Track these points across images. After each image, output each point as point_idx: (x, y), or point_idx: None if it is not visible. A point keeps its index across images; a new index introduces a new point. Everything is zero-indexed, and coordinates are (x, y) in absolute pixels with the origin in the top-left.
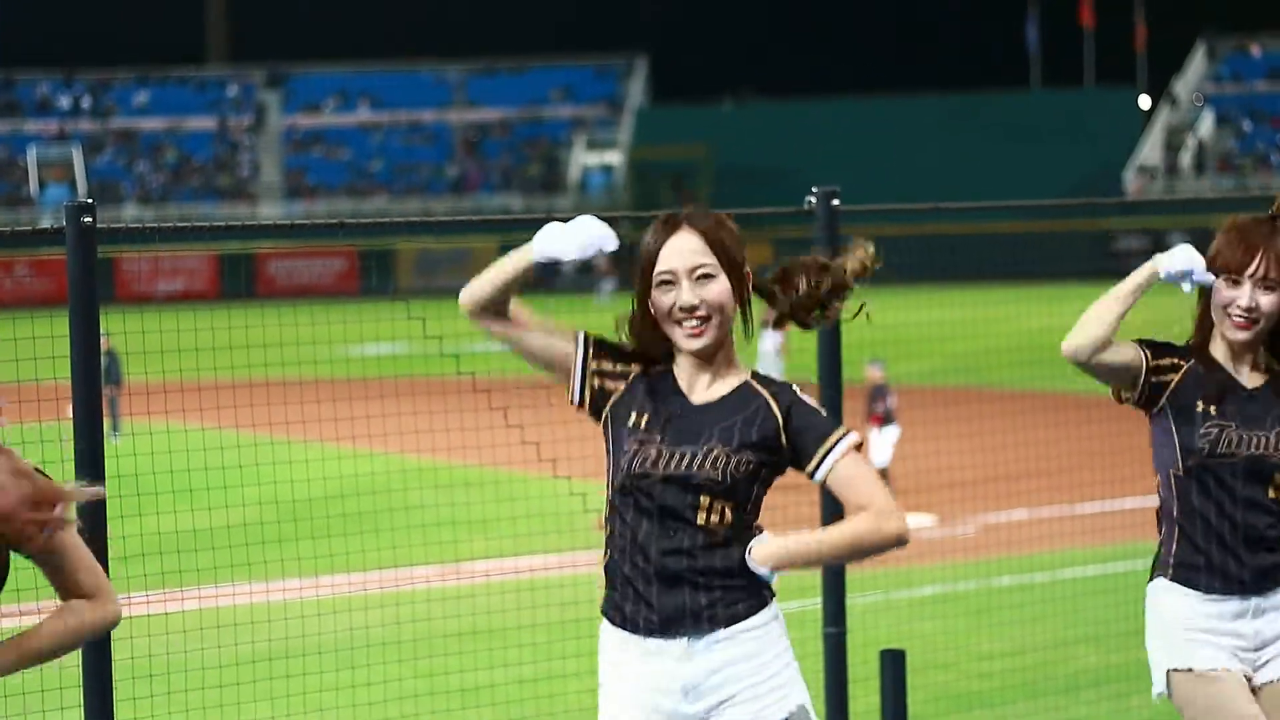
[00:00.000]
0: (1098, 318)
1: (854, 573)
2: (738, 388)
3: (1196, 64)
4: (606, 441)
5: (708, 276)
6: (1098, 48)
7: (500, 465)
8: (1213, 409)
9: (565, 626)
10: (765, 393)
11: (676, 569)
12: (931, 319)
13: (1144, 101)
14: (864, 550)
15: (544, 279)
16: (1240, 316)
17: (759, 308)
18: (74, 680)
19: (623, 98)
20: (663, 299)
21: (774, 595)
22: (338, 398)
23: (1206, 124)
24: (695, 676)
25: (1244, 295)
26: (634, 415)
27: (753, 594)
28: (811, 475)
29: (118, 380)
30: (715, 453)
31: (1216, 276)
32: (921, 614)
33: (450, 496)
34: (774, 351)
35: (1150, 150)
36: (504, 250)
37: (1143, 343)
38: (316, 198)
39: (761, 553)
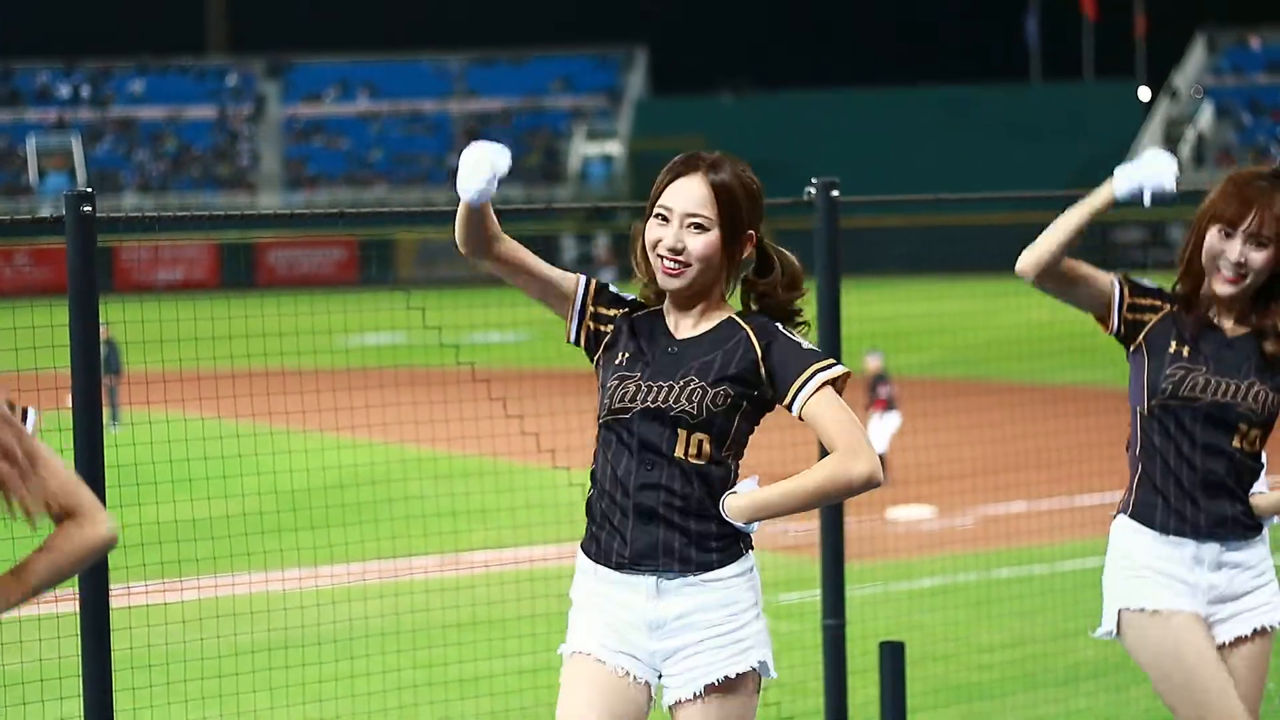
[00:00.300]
0: (1046, 238)
1: (853, 565)
2: (720, 323)
3: (1196, 57)
4: (598, 377)
5: (700, 227)
6: (1097, 40)
7: (500, 456)
8: (1185, 350)
9: (565, 617)
10: (747, 327)
11: (653, 504)
12: (931, 311)
13: (1143, 94)
14: (834, 495)
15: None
16: (1229, 271)
17: None
18: (73, 670)
19: (623, 89)
20: (653, 231)
21: (750, 548)
22: (337, 388)
23: (1206, 116)
24: (662, 616)
25: (1234, 249)
26: (620, 354)
27: (728, 544)
28: (789, 408)
29: (117, 369)
30: (692, 386)
31: (1210, 225)
32: (921, 606)
33: (450, 487)
34: None
35: (1149, 143)
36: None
37: (1124, 278)
38: (316, 187)
39: (734, 506)
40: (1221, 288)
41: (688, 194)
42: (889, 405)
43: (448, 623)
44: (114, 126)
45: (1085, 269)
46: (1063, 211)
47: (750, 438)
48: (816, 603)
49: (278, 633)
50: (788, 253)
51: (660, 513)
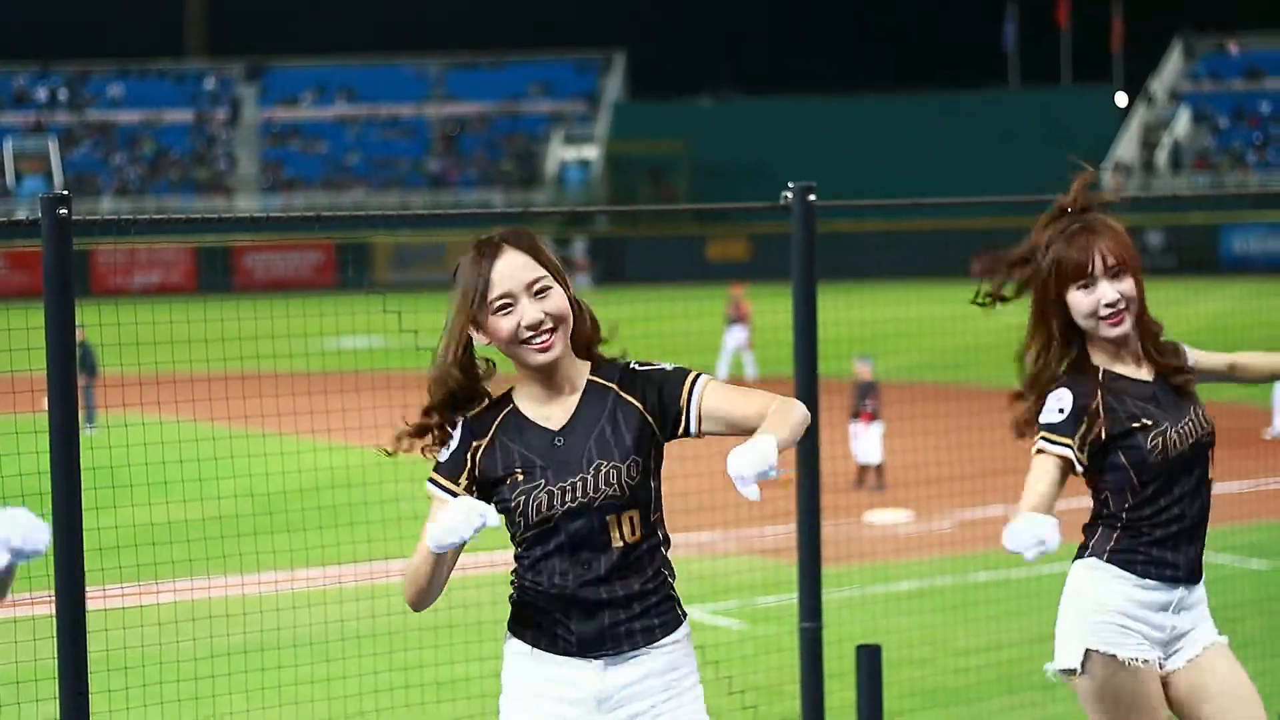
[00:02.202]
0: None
1: (830, 568)
2: (585, 393)
3: (1173, 62)
4: (497, 508)
5: (545, 290)
6: (1074, 46)
7: None
8: (1144, 420)
9: None
10: (611, 385)
11: (595, 598)
12: (909, 315)
13: (1120, 99)
14: (804, 426)
15: None
16: (1111, 313)
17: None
18: (49, 672)
19: (601, 93)
20: (504, 323)
21: (685, 615)
22: (314, 390)
23: (1183, 122)
24: (609, 690)
25: (1106, 292)
26: (506, 473)
27: (667, 611)
28: (688, 432)
29: (92, 371)
30: (606, 470)
31: (1065, 292)
32: (898, 609)
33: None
34: (733, 348)
35: (1126, 148)
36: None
37: (1042, 441)
38: (294, 191)
39: (741, 466)
40: (1112, 332)
41: (515, 270)
42: (874, 416)
43: (424, 625)
44: (91, 130)
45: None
46: (1037, 210)
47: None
48: (793, 606)
49: (254, 635)
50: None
51: (604, 603)
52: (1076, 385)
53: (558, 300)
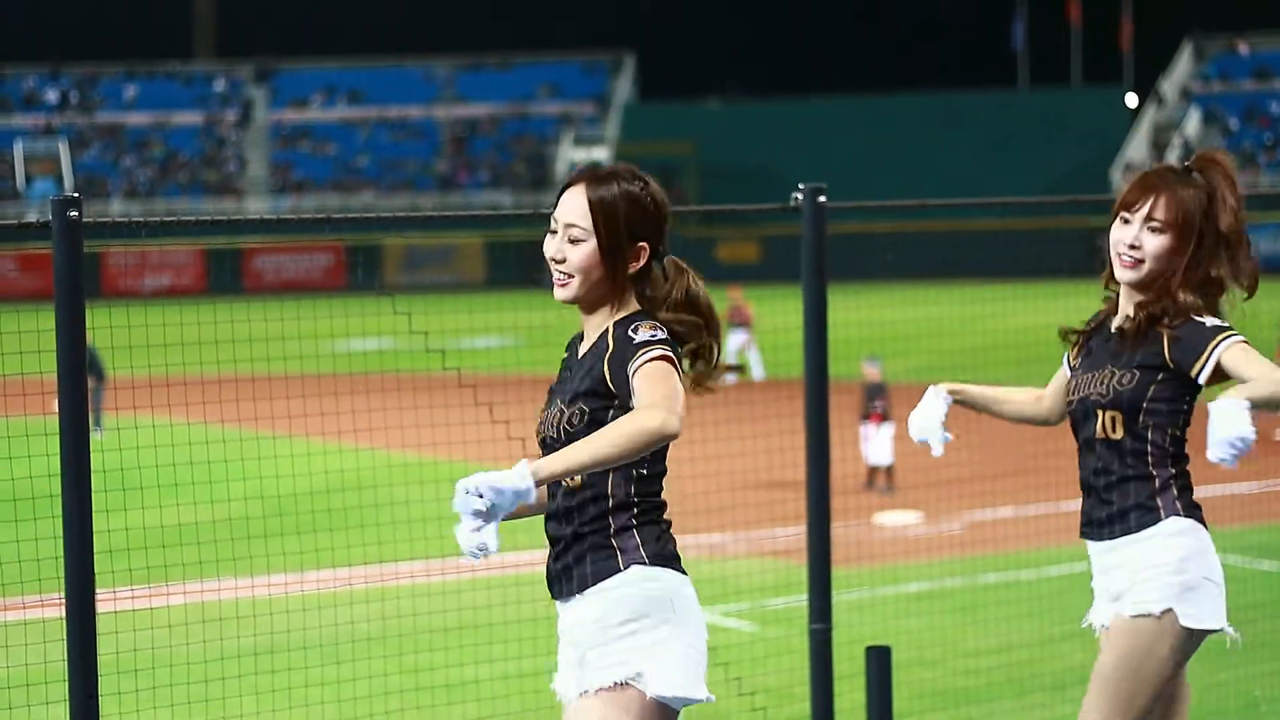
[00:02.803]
0: None
1: (840, 570)
2: (598, 337)
3: (1184, 63)
4: None
5: (575, 240)
6: (1084, 46)
7: (486, 461)
8: (1079, 360)
9: (550, 622)
10: (610, 337)
11: (552, 534)
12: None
13: (1130, 100)
14: (625, 442)
15: (536, 279)
16: (1126, 255)
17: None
18: (59, 674)
19: (610, 94)
20: (545, 243)
21: (641, 562)
22: (324, 393)
23: (1193, 122)
24: (567, 627)
25: (1129, 233)
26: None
27: (604, 558)
28: (625, 406)
29: (100, 375)
30: (556, 410)
31: (1114, 216)
32: (907, 611)
33: (436, 492)
34: (734, 350)
35: (1137, 148)
36: (490, 248)
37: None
38: (303, 193)
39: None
40: (1120, 273)
41: (568, 206)
42: (884, 417)
43: (434, 627)
44: (101, 132)
45: (1054, 383)
46: (1047, 211)
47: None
48: (803, 608)
49: (264, 637)
50: (693, 277)
51: (554, 540)
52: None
53: (580, 254)
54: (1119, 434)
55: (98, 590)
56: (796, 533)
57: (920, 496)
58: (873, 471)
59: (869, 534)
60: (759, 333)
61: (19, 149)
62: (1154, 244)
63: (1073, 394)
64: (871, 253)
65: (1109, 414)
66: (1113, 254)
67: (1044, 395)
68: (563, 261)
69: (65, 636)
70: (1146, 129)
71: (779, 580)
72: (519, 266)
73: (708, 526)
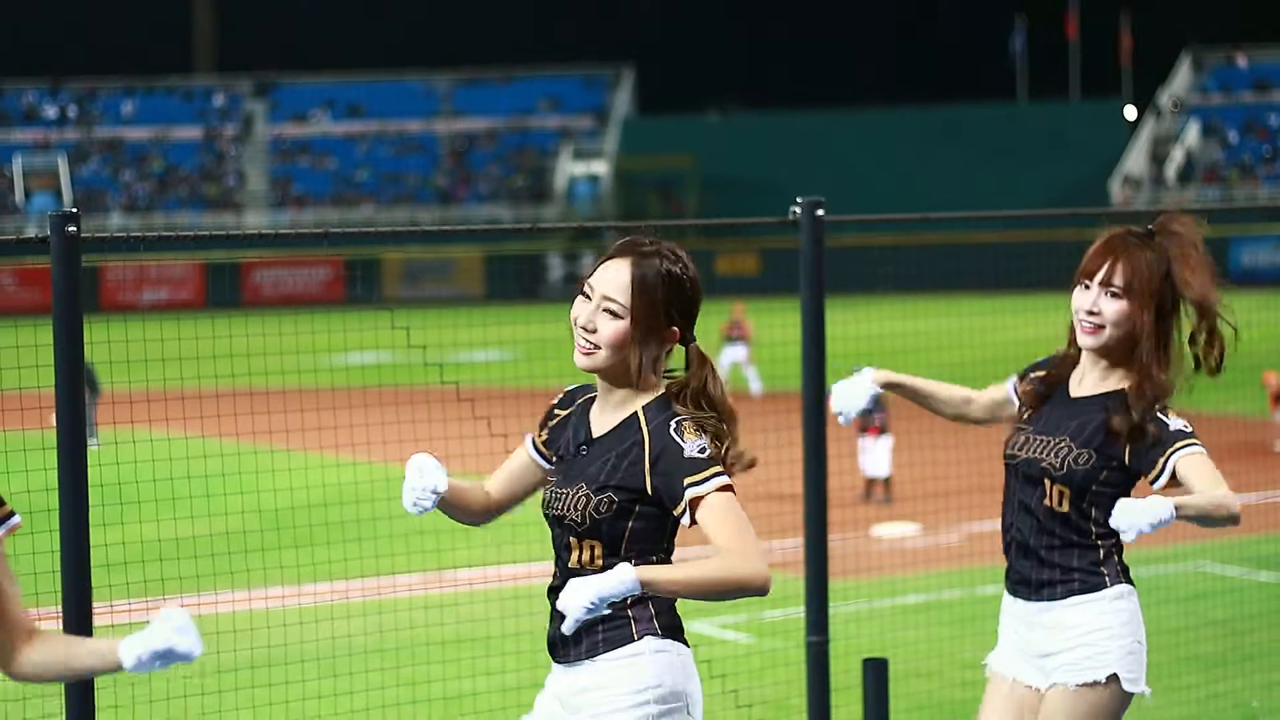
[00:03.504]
0: None
1: (837, 582)
2: (625, 420)
3: (1182, 75)
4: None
5: (612, 314)
6: (1083, 59)
7: (484, 474)
8: (1028, 414)
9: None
10: (645, 429)
11: (553, 602)
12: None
13: (1129, 112)
14: (723, 590)
15: (531, 290)
16: (1086, 321)
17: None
18: (56, 688)
19: (609, 108)
20: (575, 306)
21: (654, 633)
22: (322, 407)
23: (1192, 135)
24: (566, 692)
25: (1088, 299)
26: (557, 455)
27: (617, 625)
28: (678, 521)
29: (94, 389)
30: (580, 494)
31: (1076, 284)
32: (905, 623)
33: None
34: (729, 364)
35: (1135, 161)
36: (489, 263)
37: (1018, 374)
38: (303, 207)
39: (565, 600)
40: (1082, 339)
41: (609, 277)
42: (882, 430)
43: (432, 640)
44: (100, 146)
45: (988, 395)
46: (1046, 224)
47: (666, 530)
48: (800, 619)
49: (262, 650)
50: (713, 372)
51: (556, 614)
52: (1046, 362)
53: (613, 330)
54: (1065, 507)
55: (95, 604)
56: (794, 545)
57: (918, 508)
58: (870, 483)
59: (866, 546)
60: (757, 347)
61: (18, 164)
62: (1113, 310)
63: (1019, 449)
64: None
65: (1058, 488)
66: (1075, 320)
67: (973, 400)
68: (593, 332)
69: None
70: (1145, 141)
71: (776, 592)
72: (518, 280)
73: (705, 538)
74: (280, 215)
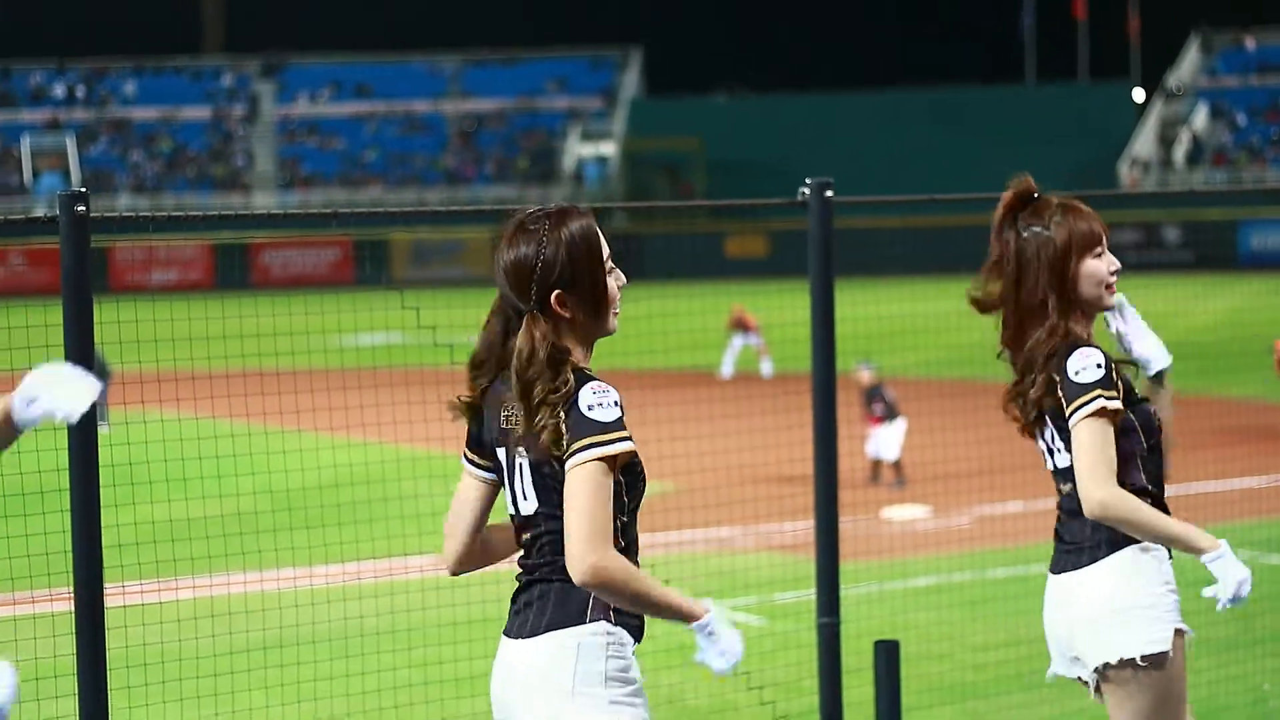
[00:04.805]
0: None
1: (848, 564)
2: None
3: (1191, 57)
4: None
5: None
6: (1091, 41)
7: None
8: (1132, 385)
9: None
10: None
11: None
12: (927, 311)
13: (1138, 95)
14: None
15: None
16: (1113, 280)
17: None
18: (69, 669)
19: (617, 89)
20: (612, 281)
21: (601, 618)
22: (332, 387)
23: (1201, 117)
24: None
25: (1111, 260)
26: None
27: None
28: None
29: (105, 374)
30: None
31: (1082, 259)
32: (916, 605)
33: (444, 486)
34: (739, 347)
35: (1144, 143)
36: (497, 242)
37: (1112, 413)
38: (311, 188)
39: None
40: (1110, 299)
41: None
42: (885, 417)
43: (443, 621)
44: (108, 127)
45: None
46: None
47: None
48: (811, 601)
49: (273, 632)
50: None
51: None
52: (1092, 345)
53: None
54: None
55: (107, 585)
56: (805, 527)
57: (928, 491)
58: (876, 465)
59: (877, 528)
60: (766, 330)
61: (26, 144)
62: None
63: (1155, 415)
64: (879, 247)
65: None
66: (1097, 290)
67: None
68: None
69: (75, 631)
70: (1154, 124)
71: (787, 574)
72: None
73: (716, 521)
74: (288, 196)
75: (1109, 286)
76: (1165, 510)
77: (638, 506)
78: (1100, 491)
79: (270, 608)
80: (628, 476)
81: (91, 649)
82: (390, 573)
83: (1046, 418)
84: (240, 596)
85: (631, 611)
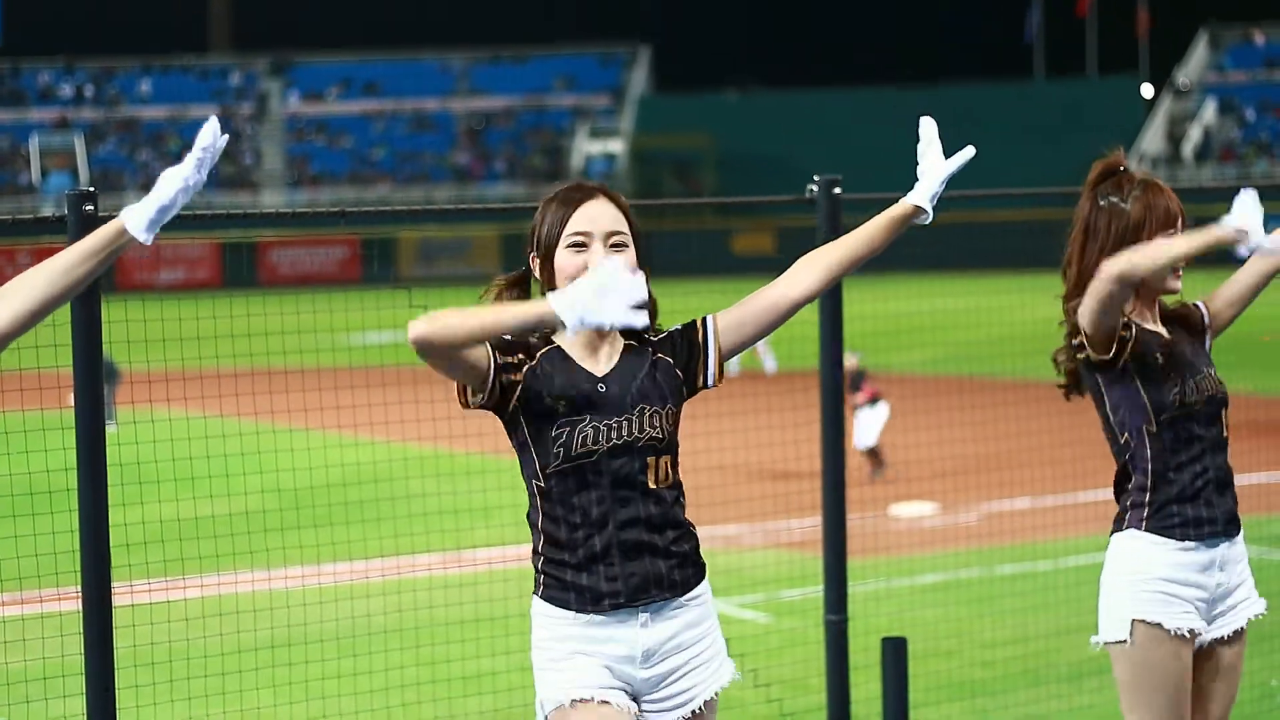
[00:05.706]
0: (1147, 260)
1: (855, 561)
2: (624, 349)
3: (1199, 53)
4: (521, 431)
5: (620, 245)
6: (1100, 37)
7: (501, 453)
8: (1164, 362)
9: None
10: (648, 347)
11: (637, 538)
12: (935, 308)
13: (1146, 90)
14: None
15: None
16: (1181, 265)
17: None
18: (76, 668)
19: (626, 86)
20: (571, 260)
21: (705, 567)
22: (339, 386)
23: (1209, 113)
24: (653, 643)
25: None
26: (549, 399)
27: (695, 562)
28: (706, 378)
29: (114, 377)
30: (649, 412)
31: (1154, 236)
32: (923, 602)
33: (452, 485)
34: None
35: (1153, 139)
36: (506, 241)
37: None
38: (319, 186)
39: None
40: (1176, 284)
41: (600, 216)
42: (875, 398)
43: (450, 620)
44: (117, 126)
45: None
46: (1063, 202)
47: None
48: (819, 599)
49: (280, 630)
50: None
51: (645, 545)
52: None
53: (630, 259)
54: (1228, 432)
55: (114, 583)
56: (812, 524)
57: (936, 487)
58: (872, 455)
59: (884, 525)
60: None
61: (34, 143)
62: None
63: (1193, 393)
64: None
65: (1226, 414)
66: (1167, 269)
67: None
68: None
69: (82, 629)
70: (1162, 120)
71: (794, 571)
72: None
73: (723, 518)
74: (296, 194)
75: (1175, 271)
76: (1214, 490)
77: (573, 462)
78: (1095, 282)
79: (278, 606)
80: (529, 414)
81: (99, 648)
82: (398, 571)
83: (1085, 386)
84: (248, 595)
85: (466, 341)
